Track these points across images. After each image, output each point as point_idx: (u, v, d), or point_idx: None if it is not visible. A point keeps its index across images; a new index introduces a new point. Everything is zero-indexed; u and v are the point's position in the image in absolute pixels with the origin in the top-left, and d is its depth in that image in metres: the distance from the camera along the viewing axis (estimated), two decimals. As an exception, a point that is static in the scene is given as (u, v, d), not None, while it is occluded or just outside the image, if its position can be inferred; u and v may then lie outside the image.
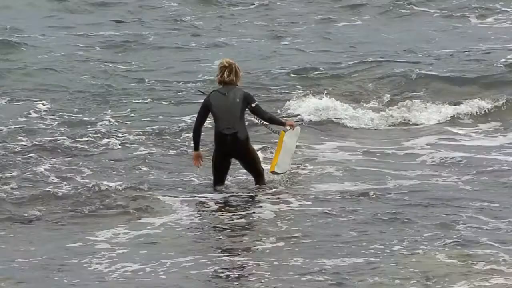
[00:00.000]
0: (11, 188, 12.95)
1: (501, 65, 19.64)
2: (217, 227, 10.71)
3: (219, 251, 9.74)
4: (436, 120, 16.14)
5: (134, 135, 16.22)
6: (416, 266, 8.88)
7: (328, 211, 11.03)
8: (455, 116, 16.57)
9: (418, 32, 25.18)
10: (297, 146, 12.84)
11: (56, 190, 13.00)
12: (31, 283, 8.72)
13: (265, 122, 11.91)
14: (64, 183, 13.19)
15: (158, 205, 11.57)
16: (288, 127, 11.63)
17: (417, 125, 16.19)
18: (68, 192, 12.73)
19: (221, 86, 11.34)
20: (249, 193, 12.02)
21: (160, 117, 17.72)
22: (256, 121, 12.24)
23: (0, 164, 14.60)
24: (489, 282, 8.08)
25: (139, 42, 25.84)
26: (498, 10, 26.52)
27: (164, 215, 11.26)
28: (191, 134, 12.80)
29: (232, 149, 11.39)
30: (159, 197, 11.85)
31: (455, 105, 16.74)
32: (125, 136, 16.16)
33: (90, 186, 12.80)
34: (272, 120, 11.65)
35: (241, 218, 10.93)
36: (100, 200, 12.07)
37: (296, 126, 12.26)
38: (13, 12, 33.07)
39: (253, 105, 11.25)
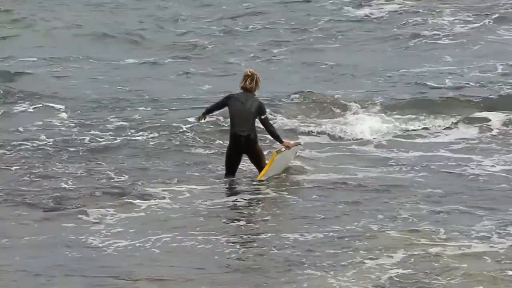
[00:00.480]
0: (31, 178, 14.37)
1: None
2: (199, 210, 11.94)
3: (198, 229, 11.00)
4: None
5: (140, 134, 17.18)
6: (370, 240, 10.45)
7: (297, 197, 12.53)
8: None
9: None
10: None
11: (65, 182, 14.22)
12: (41, 257, 10.24)
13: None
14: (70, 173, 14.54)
15: (149, 192, 12.82)
16: (283, 148, 12.96)
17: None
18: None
19: (242, 91, 12.73)
20: (232, 184, 13.38)
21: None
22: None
23: (26, 156, 15.90)
24: (423, 251, 9.81)
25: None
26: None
27: (153, 199, 12.54)
28: (192, 134, 15.41)
29: (244, 148, 12.80)
30: (151, 185, 13.14)
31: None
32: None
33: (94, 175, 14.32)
34: (273, 134, 12.87)
35: (221, 204, 12.26)
36: (101, 187, 13.38)
37: (295, 145, 13.69)
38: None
39: (262, 116, 12.62)
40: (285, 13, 26.24)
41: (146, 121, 17.40)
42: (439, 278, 9.30)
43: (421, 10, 25.72)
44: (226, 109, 13.41)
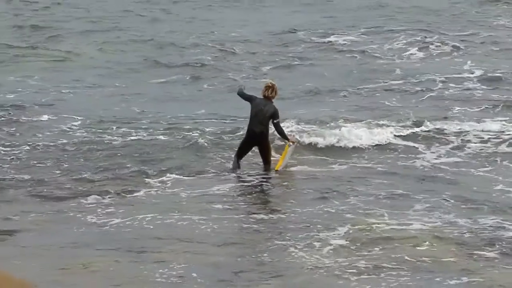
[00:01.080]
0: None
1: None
2: (186, 195, 14.12)
3: (176, 211, 13.08)
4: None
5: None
6: (325, 220, 13.18)
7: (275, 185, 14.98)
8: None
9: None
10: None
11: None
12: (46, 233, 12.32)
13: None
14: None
15: (146, 180, 14.91)
16: (291, 143, 15.32)
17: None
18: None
19: (263, 97, 14.95)
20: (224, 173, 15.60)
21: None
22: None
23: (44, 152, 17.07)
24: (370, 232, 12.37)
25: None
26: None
27: (149, 188, 14.67)
28: (199, 128, 17.68)
29: (257, 142, 15.11)
30: (151, 175, 15.19)
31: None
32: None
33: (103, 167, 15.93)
34: (281, 134, 15.19)
35: (200, 193, 14.37)
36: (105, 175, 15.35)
37: (295, 142, 15.89)
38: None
39: (275, 121, 14.89)
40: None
41: (154, 125, 18.50)
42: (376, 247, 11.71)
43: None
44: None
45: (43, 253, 11.30)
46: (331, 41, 25.46)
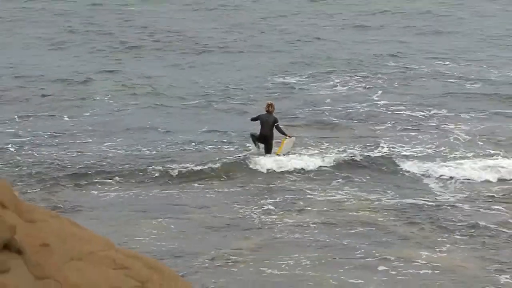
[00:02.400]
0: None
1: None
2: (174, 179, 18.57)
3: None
4: None
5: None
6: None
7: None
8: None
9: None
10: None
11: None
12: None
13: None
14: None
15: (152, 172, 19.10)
16: (288, 137, 21.58)
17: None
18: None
19: (266, 112, 21.35)
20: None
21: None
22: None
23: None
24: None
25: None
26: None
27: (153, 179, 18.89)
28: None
29: (265, 140, 21.24)
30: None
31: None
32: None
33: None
34: (281, 132, 21.34)
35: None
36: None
37: (292, 137, 22.05)
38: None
39: (275, 124, 21.12)
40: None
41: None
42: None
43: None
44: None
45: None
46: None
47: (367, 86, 26.89)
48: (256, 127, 21.86)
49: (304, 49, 32.19)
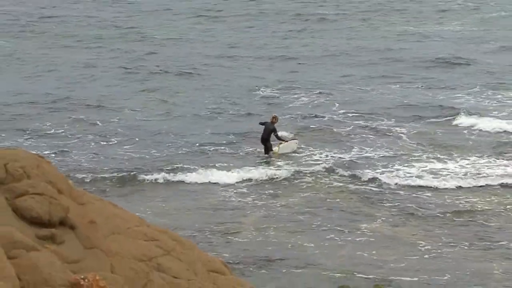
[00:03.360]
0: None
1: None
2: None
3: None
4: None
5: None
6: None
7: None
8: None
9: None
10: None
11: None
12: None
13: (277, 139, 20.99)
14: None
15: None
16: (283, 143, 20.90)
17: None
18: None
19: (270, 121, 20.77)
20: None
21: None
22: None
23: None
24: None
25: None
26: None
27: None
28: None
29: (264, 143, 20.64)
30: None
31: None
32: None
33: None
34: (278, 139, 20.69)
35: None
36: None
37: (292, 140, 21.53)
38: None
39: (273, 134, 20.55)
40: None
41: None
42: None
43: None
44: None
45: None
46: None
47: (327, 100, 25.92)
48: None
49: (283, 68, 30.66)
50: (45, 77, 27.80)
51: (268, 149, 20.81)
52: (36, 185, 6.29)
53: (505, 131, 22.42)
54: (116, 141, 20.68)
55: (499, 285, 13.56)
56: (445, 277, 13.78)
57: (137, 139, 20.90)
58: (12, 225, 6.00)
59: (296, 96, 26.04)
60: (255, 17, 39.71)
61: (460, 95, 26.01)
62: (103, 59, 30.40)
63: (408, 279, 13.67)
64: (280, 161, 20.31)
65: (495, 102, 25.24)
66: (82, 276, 5.74)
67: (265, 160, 20.62)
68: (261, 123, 20.97)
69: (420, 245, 15.14)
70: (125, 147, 20.39)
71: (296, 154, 20.87)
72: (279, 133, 20.81)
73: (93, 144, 20.40)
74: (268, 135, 20.53)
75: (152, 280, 6.27)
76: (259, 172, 19.21)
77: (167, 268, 6.54)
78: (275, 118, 21.02)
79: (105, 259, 6.23)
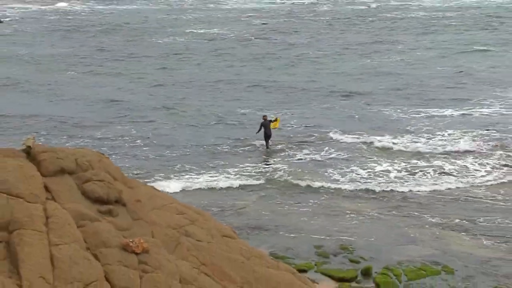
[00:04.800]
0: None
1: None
2: None
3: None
4: None
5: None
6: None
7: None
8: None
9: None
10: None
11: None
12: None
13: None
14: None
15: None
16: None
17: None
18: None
19: (263, 120, 19.67)
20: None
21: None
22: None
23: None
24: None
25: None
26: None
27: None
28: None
29: (268, 137, 19.72)
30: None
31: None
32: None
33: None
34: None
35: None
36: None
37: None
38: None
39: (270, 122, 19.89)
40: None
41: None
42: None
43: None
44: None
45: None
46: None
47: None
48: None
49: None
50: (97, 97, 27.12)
51: (267, 141, 19.60)
52: (98, 174, 6.40)
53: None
54: (143, 144, 20.30)
55: (414, 244, 13.55)
56: (385, 239, 13.80)
57: (155, 141, 20.41)
58: (80, 203, 6.13)
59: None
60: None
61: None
62: (135, 84, 29.77)
63: (363, 240, 13.67)
64: (268, 160, 19.28)
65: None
66: (131, 240, 5.85)
67: (262, 156, 19.63)
68: (259, 128, 19.64)
69: (368, 217, 15.04)
70: (147, 148, 20.02)
71: (278, 155, 19.62)
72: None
73: (126, 145, 20.06)
74: (269, 130, 19.48)
75: (182, 243, 6.35)
76: (256, 166, 18.51)
77: (192, 234, 6.62)
78: (265, 116, 19.83)
79: (147, 228, 6.30)
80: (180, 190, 16.42)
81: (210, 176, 17.63)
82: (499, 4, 64.06)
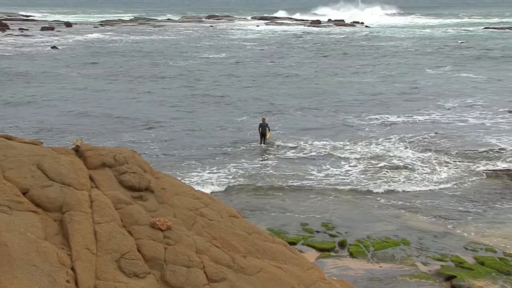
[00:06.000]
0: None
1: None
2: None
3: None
4: None
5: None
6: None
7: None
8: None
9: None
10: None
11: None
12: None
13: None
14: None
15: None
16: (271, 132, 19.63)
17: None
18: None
19: (262, 121, 19.42)
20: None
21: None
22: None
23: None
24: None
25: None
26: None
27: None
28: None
29: (262, 136, 19.35)
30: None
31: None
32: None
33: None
34: (268, 129, 19.46)
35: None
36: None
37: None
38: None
39: (267, 127, 19.47)
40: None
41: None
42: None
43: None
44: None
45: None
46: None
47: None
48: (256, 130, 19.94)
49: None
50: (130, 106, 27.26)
51: (263, 139, 19.37)
52: (131, 167, 6.33)
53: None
54: (159, 145, 20.04)
55: (380, 222, 13.50)
56: (357, 218, 13.77)
57: (168, 144, 20.12)
58: (118, 190, 6.07)
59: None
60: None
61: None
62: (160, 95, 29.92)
63: (340, 219, 13.55)
64: (268, 152, 19.10)
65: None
66: (157, 219, 5.79)
67: (259, 151, 19.18)
68: (258, 127, 19.47)
69: (344, 202, 14.99)
70: (163, 148, 19.78)
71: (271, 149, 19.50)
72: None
73: (152, 145, 19.94)
74: (264, 129, 19.25)
75: (197, 221, 6.27)
76: (252, 161, 18.28)
77: (205, 214, 6.54)
78: (264, 118, 19.61)
79: (170, 210, 6.20)
80: (188, 183, 16.11)
81: (212, 172, 17.12)
82: (442, 36, 64.35)
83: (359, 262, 11.26)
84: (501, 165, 17.66)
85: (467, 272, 10.61)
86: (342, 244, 12.06)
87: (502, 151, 19.08)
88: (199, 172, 16.97)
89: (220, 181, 16.28)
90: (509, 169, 17.32)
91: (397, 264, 11.14)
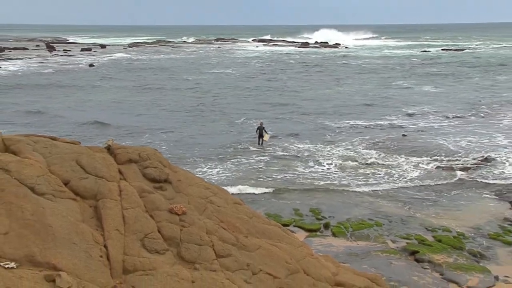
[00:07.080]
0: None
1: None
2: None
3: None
4: None
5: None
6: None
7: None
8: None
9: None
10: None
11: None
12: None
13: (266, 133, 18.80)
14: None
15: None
16: (267, 134, 18.76)
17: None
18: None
19: (259, 125, 18.68)
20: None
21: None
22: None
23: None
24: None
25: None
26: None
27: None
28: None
29: (260, 136, 18.55)
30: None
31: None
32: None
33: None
34: (266, 132, 18.64)
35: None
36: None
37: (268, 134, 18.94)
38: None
39: (264, 130, 18.58)
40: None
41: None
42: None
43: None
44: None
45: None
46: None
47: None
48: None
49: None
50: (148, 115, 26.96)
51: (261, 140, 18.68)
52: (153, 162, 6.28)
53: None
54: (171, 144, 19.47)
55: (357, 208, 13.27)
56: (338, 205, 13.50)
57: (178, 143, 19.58)
58: (142, 182, 6.03)
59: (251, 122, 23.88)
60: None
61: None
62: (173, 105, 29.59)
63: (325, 206, 13.46)
64: (263, 152, 18.45)
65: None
66: (174, 206, 5.74)
67: (257, 150, 18.45)
68: (256, 130, 18.95)
69: (326, 192, 14.76)
70: (173, 147, 19.36)
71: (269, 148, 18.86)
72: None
73: (164, 146, 19.43)
74: (261, 132, 18.58)
75: (207, 208, 6.19)
76: (251, 157, 17.67)
77: (214, 202, 6.45)
78: (262, 122, 19.09)
79: (185, 198, 6.08)
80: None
81: (213, 167, 16.63)
82: (408, 55, 64.25)
83: (340, 240, 11.23)
84: (452, 162, 17.55)
85: (428, 248, 10.66)
86: (326, 226, 12.06)
87: (451, 149, 18.97)
88: (202, 168, 16.65)
89: (221, 175, 16.01)
90: (458, 164, 17.30)
91: (371, 242, 11.16)
